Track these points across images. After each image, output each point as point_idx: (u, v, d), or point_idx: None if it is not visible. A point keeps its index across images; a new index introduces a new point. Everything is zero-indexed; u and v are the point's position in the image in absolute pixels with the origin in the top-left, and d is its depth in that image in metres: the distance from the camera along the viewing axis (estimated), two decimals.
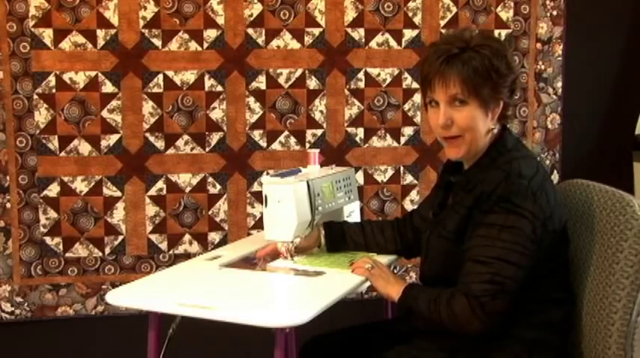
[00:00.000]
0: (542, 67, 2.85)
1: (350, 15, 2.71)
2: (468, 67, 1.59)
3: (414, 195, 2.83)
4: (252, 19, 2.65)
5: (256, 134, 2.71)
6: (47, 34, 2.54)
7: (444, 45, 1.65)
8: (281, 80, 2.70)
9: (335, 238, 2.00)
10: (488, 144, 1.66)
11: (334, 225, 2.02)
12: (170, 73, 2.63)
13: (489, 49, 1.61)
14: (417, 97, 2.79)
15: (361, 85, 2.75)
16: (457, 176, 1.72)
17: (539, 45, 2.84)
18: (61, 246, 2.63)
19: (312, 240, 1.99)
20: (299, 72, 2.70)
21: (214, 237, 2.73)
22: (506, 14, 2.80)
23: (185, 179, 2.69)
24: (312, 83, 2.72)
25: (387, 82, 2.76)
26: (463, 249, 1.58)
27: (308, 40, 2.70)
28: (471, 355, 1.59)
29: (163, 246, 2.70)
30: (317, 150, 2.15)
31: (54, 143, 2.59)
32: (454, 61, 1.60)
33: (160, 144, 2.65)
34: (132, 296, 1.69)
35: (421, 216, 1.94)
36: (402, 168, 2.81)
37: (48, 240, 2.63)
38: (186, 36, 2.62)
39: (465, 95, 1.60)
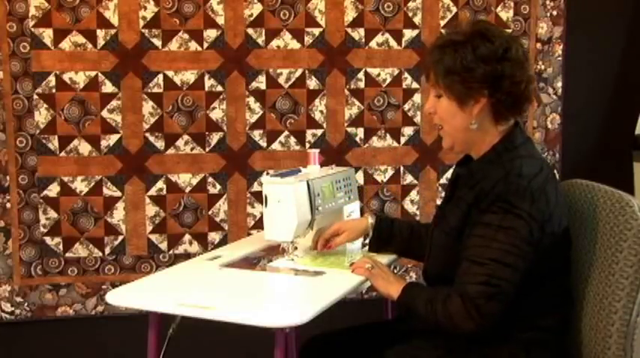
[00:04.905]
0: (542, 67, 2.85)
1: (350, 15, 2.71)
2: (440, 63, 1.62)
3: (414, 195, 2.83)
4: (252, 19, 2.65)
5: (256, 134, 2.71)
6: (47, 34, 2.54)
7: (443, 35, 1.74)
8: (281, 80, 2.70)
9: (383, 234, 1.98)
10: (497, 141, 1.65)
11: (384, 221, 2.00)
12: (170, 73, 2.63)
13: (472, 46, 1.58)
14: (417, 97, 2.79)
15: (361, 85, 2.75)
16: (463, 168, 1.73)
17: (539, 45, 2.84)
18: (61, 246, 2.63)
19: (361, 230, 1.98)
20: (299, 72, 2.70)
21: (214, 237, 2.73)
22: (506, 14, 2.80)
23: (185, 179, 2.69)
24: (312, 83, 2.72)
25: (387, 81, 2.76)
26: (461, 247, 1.58)
27: (308, 40, 2.70)
28: (468, 353, 1.59)
29: (163, 246, 2.70)
30: (317, 150, 2.15)
31: (54, 143, 2.59)
32: (435, 54, 1.64)
33: (160, 144, 2.65)
34: (132, 296, 1.69)
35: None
36: (402, 168, 2.81)
37: (48, 240, 2.63)
38: (186, 36, 2.62)
39: (437, 88, 1.65)
